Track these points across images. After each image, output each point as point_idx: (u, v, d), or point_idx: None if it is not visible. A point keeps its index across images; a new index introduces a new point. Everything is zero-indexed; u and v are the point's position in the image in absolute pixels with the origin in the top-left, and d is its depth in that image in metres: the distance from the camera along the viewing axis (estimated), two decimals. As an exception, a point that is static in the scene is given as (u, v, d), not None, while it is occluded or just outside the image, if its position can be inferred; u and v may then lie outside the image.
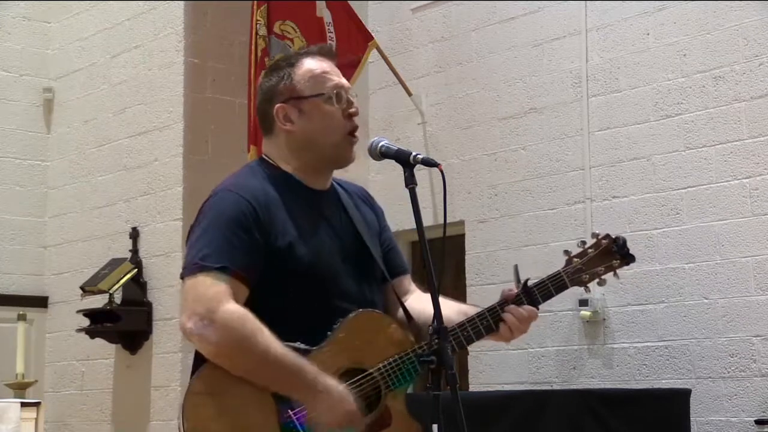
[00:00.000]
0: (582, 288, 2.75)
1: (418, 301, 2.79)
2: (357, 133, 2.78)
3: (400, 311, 2.76)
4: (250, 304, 2.57)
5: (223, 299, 2.51)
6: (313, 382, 2.52)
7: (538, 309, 2.70)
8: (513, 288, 2.71)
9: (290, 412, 2.53)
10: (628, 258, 2.75)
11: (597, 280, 2.74)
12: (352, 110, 2.75)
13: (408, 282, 2.89)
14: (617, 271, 2.76)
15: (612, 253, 2.74)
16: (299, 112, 2.73)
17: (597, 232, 2.79)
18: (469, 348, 6.02)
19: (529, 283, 2.70)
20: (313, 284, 2.63)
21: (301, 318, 2.60)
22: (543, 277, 2.71)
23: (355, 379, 2.59)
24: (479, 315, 2.67)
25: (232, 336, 2.50)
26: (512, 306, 2.66)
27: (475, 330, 2.66)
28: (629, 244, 2.76)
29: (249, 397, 2.54)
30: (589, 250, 2.74)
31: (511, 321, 2.66)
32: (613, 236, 2.76)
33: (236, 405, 2.54)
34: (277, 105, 2.74)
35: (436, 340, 2.45)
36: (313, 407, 2.53)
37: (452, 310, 2.71)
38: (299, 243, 2.64)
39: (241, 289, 2.57)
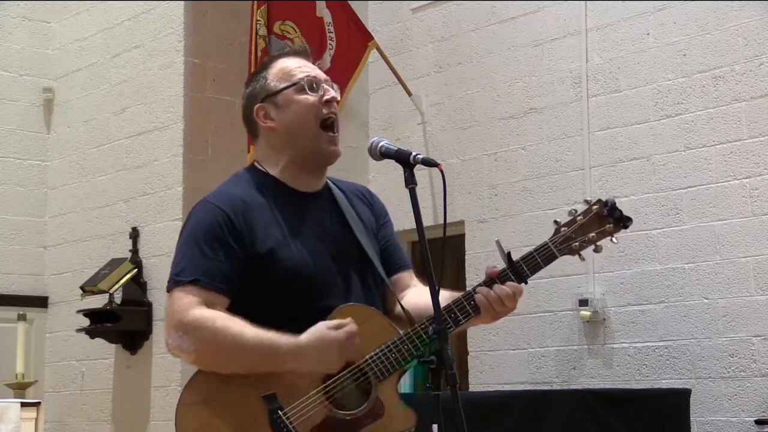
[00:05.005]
0: (576, 257, 2.63)
1: (416, 295, 2.74)
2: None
3: (398, 308, 2.72)
4: (237, 311, 2.58)
5: (191, 307, 2.55)
6: (293, 348, 2.52)
7: (526, 283, 2.62)
8: (497, 266, 2.63)
9: (280, 413, 2.53)
10: (622, 220, 2.63)
11: (592, 246, 2.63)
12: (327, 96, 2.73)
13: (409, 277, 2.84)
14: (614, 236, 2.64)
15: (604, 218, 2.63)
16: (276, 107, 2.75)
17: (589, 198, 2.70)
18: (469, 348, 6.09)
19: (515, 257, 2.62)
20: (298, 288, 2.62)
21: (287, 322, 2.58)
22: (530, 250, 2.64)
23: (344, 372, 2.58)
24: (465, 295, 2.61)
25: (204, 336, 2.54)
26: (496, 285, 2.59)
27: (462, 311, 2.59)
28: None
29: (239, 400, 2.55)
30: (579, 218, 2.65)
31: (486, 299, 2.57)
32: (604, 200, 2.66)
33: (226, 410, 2.55)
34: (257, 106, 2.77)
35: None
36: (311, 367, 2.54)
37: (442, 297, 2.63)
38: (282, 247, 2.63)
39: (218, 299, 2.59)
